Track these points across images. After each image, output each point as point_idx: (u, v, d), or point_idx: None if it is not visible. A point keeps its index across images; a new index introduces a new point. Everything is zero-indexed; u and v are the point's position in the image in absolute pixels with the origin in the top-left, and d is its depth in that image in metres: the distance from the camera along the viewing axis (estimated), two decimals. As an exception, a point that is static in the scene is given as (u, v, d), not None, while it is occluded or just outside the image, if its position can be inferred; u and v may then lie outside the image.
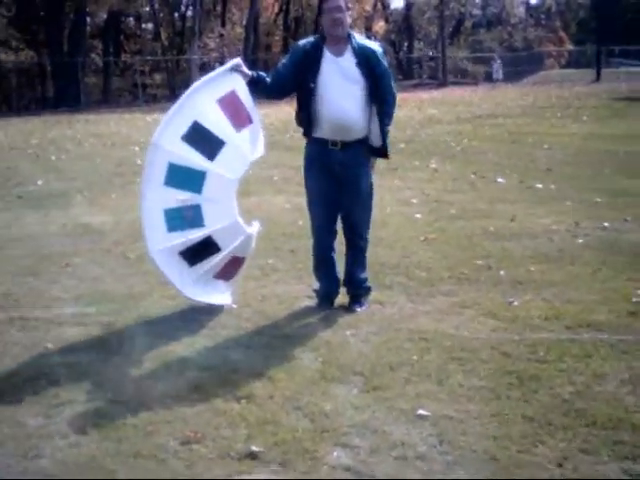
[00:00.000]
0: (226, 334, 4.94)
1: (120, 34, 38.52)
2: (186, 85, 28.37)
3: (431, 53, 54.64)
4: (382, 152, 5.32)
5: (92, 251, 7.32)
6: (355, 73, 5.10)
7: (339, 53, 5.11)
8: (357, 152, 5.20)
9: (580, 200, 9.13)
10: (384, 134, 5.25)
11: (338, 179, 5.21)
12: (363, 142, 5.21)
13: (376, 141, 5.25)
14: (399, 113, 21.81)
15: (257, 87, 5.17)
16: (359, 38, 5.24)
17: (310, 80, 5.06)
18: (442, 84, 43.32)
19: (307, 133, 5.29)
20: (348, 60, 5.11)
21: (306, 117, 5.19)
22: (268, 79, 5.20)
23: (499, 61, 45.48)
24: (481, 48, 58.81)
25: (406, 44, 56.82)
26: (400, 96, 22.82)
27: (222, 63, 30.26)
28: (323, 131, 5.18)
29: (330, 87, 5.08)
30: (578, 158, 12.80)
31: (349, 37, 5.15)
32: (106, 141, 16.84)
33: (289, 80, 5.17)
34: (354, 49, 5.13)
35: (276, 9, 50.18)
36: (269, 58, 43.03)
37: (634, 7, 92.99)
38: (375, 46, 5.30)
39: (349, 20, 5.19)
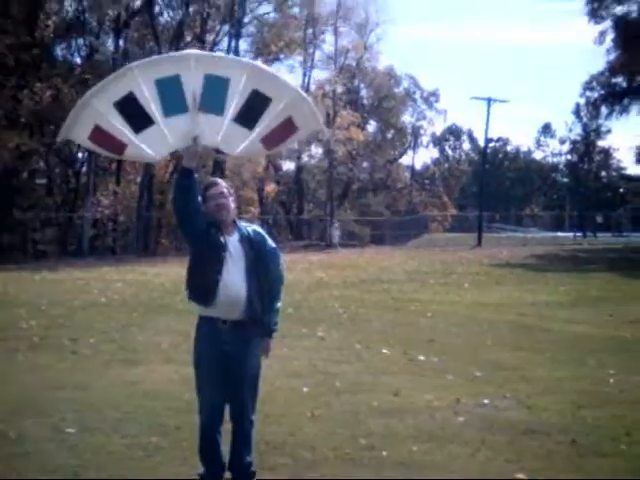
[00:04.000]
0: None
1: (13, 190, 38.26)
2: (79, 242, 27.91)
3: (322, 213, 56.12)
4: (270, 331, 5.42)
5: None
6: (243, 252, 5.28)
7: (228, 234, 5.30)
8: (247, 331, 5.27)
9: (461, 374, 9.42)
10: (274, 312, 5.40)
11: (227, 359, 5.24)
12: (253, 321, 5.29)
13: (266, 319, 5.36)
14: (289, 276, 22.04)
15: (190, 179, 5.18)
16: (244, 223, 5.49)
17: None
18: (330, 245, 44.32)
19: (198, 302, 5.31)
20: (236, 240, 5.31)
21: (202, 289, 5.25)
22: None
23: (337, 224, 46.38)
24: (368, 211, 60.87)
25: (296, 205, 58.21)
26: (290, 258, 23.12)
27: (115, 221, 30.25)
28: (214, 308, 5.24)
29: (224, 265, 5.22)
30: (460, 328, 13.25)
31: (234, 222, 5.39)
32: (-10, 302, 16.52)
33: (201, 218, 5.23)
34: (240, 230, 5.36)
35: (170, 168, 51.07)
36: (162, 216, 43.34)
37: (513, 176, 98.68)
38: (258, 227, 5.58)
39: (233, 205, 5.40)
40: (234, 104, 5.13)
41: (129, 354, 10.72)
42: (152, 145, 5.21)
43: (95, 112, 5.04)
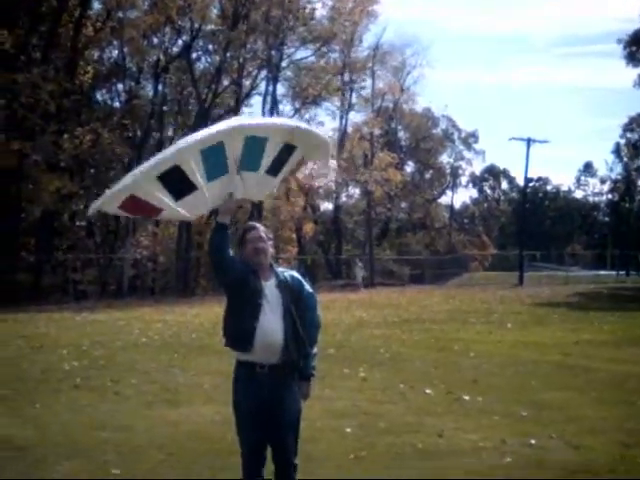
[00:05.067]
0: None
1: (53, 232, 38.74)
2: (118, 282, 28.03)
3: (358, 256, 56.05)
4: (307, 375, 5.37)
5: (13, 471, 7.03)
6: (281, 297, 5.24)
7: (265, 278, 5.28)
8: (285, 375, 5.23)
9: (506, 414, 9.27)
10: (311, 357, 5.35)
11: (267, 404, 5.18)
12: (291, 365, 5.24)
13: (303, 364, 5.31)
14: (329, 316, 22.00)
15: (224, 232, 5.19)
16: (281, 268, 5.48)
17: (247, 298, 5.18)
18: (370, 285, 44.22)
19: (236, 348, 5.26)
20: (273, 285, 5.28)
21: (239, 335, 5.20)
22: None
23: (360, 264, 45.48)
24: (407, 250, 60.75)
25: (334, 245, 58.23)
26: (329, 297, 23.07)
27: (155, 262, 30.30)
28: (251, 353, 5.19)
29: (260, 310, 5.19)
30: (504, 368, 13.06)
31: (271, 266, 5.36)
32: (34, 343, 16.63)
33: (236, 266, 5.23)
34: (277, 275, 5.33)
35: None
36: (201, 256, 43.59)
37: (554, 215, 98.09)
38: (296, 272, 5.54)
39: (271, 250, 5.38)
40: (268, 159, 5.19)
41: (171, 395, 10.71)
42: (191, 208, 5.21)
43: (133, 184, 5.02)
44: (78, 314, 25.10)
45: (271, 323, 5.15)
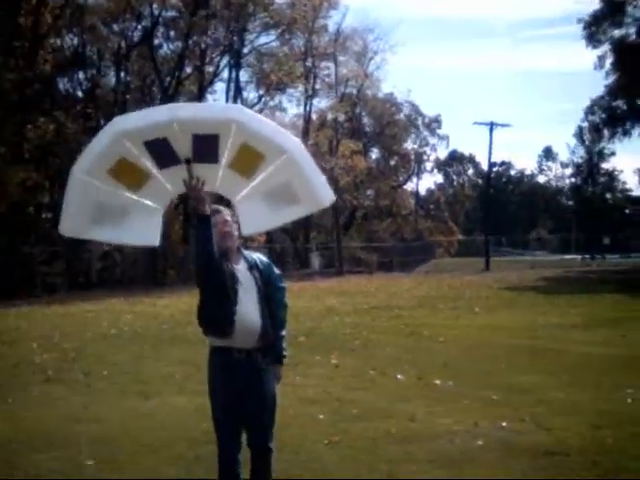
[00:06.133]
0: None
1: (19, 224, 38.29)
2: (87, 274, 27.58)
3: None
4: (281, 357, 5.41)
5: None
6: (254, 280, 5.26)
7: (235, 262, 5.28)
8: (262, 359, 5.24)
9: (477, 397, 9.37)
10: (282, 339, 5.39)
11: (243, 389, 5.19)
12: (267, 349, 5.26)
13: (277, 346, 5.34)
14: (298, 303, 21.94)
15: (207, 225, 5.06)
16: (246, 251, 5.47)
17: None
18: (339, 273, 44.34)
19: (216, 335, 5.22)
20: (245, 268, 5.29)
21: (219, 322, 5.16)
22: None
23: (316, 252, 46.13)
24: (375, 238, 60.96)
25: (302, 234, 58.24)
26: (298, 285, 23.05)
27: (121, 251, 29.86)
28: (230, 339, 5.16)
29: (237, 295, 5.17)
30: (473, 352, 13.21)
31: (239, 249, 5.37)
32: (4, 338, 16.52)
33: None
34: (246, 259, 5.34)
35: (175, 200, 50.88)
36: (169, 247, 43.33)
37: (518, 199, 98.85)
38: (263, 256, 5.56)
39: (236, 233, 5.35)
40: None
41: (143, 386, 10.71)
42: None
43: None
44: (48, 307, 24.94)
45: (248, 307, 5.16)
